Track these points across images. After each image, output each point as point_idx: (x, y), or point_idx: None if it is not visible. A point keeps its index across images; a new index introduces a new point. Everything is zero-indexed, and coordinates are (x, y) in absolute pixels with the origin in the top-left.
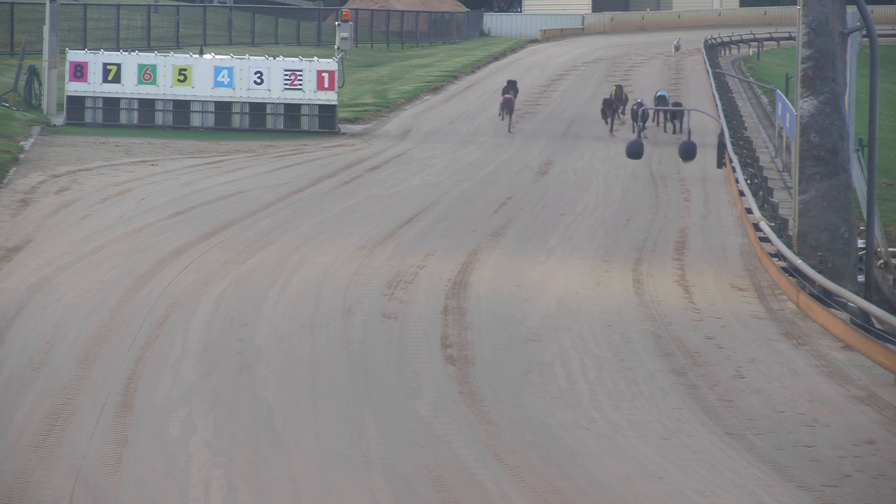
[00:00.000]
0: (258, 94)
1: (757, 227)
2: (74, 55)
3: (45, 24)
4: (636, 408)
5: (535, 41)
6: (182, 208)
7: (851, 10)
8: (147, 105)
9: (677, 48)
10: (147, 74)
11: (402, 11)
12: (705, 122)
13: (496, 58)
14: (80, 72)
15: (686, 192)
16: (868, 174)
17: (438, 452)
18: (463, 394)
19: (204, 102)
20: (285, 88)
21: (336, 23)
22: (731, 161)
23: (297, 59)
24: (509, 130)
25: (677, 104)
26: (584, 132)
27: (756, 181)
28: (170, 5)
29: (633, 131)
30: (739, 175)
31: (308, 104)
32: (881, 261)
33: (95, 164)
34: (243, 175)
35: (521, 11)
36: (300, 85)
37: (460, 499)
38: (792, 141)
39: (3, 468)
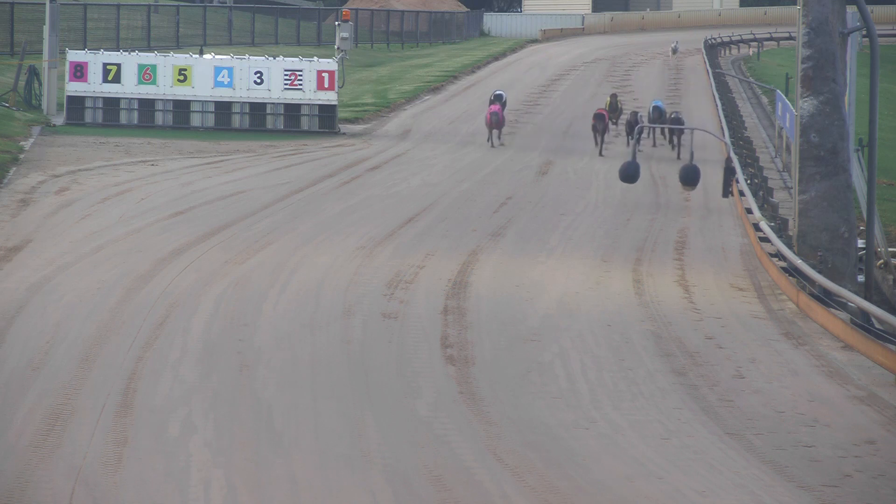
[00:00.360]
0: (258, 94)
1: (757, 227)
2: (74, 55)
3: (45, 24)
4: (636, 408)
5: (535, 41)
6: (182, 208)
7: (851, 10)
8: (147, 105)
9: (674, 51)
10: (147, 74)
11: (402, 11)
12: (706, 118)
13: (496, 58)
14: (80, 72)
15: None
16: (868, 174)
17: (438, 452)
18: (463, 394)
19: (204, 102)
20: (285, 88)
21: (336, 23)
22: (742, 194)
23: (297, 59)
24: (492, 145)
25: (677, 118)
26: (585, 132)
27: (756, 181)
28: (170, 5)
29: (628, 146)
30: (739, 175)
31: (308, 104)
32: (881, 261)
33: (95, 164)
34: (243, 175)
35: (521, 11)
36: (300, 85)
37: (460, 499)
38: (792, 141)
39: (3, 468)
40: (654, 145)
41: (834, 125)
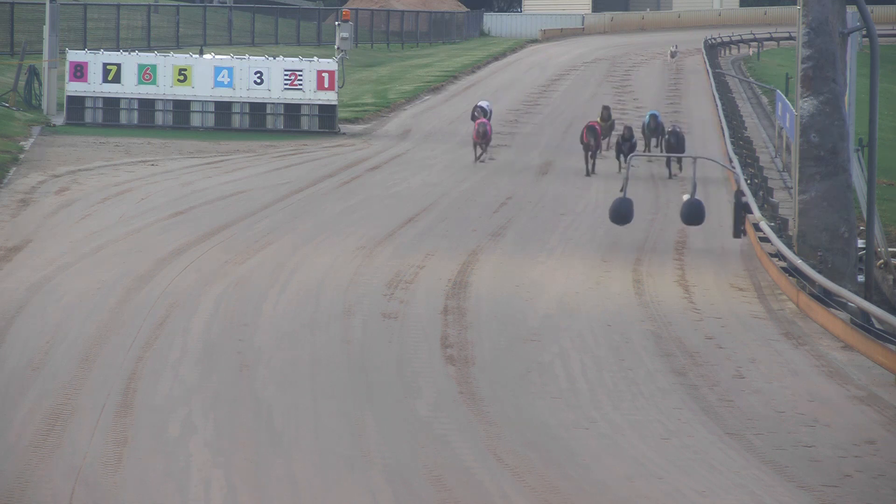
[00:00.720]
0: (258, 94)
1: (757, 227)
2: (74, 55)
3: (45, 24)
4: (636, 408)
5: (535, 41)
6: (182, 208)
7: (851, 10)
8: (147, 105)
9: (673, 55)
10: (147, 74)
11: (402, 11)
12: (706, 118)
13: (496, 58)
14: (80, 72)
15: (686, 192)
16: (868, 174)
17: (438, 452)
18: (463, 394)
19: (204, 102)
20: (285, 88)
21: (336, 23)
22: (757, 228)
23: (297, 59)
24: (481, 161)
25: (676, 131)
26: None
27: (756, 181)
28: (170, 5)
29: (619, 171)
30: (739, 175)
31: (308, 104)
32: (881, 261)
33: (95, 164)
34: (243, 175)
35: (521, 11)
36: (300, 85)
37: (460, 499)
38: (792, 141)
39: (3, 468)
40: (650, 161)
41: (834, 125)
